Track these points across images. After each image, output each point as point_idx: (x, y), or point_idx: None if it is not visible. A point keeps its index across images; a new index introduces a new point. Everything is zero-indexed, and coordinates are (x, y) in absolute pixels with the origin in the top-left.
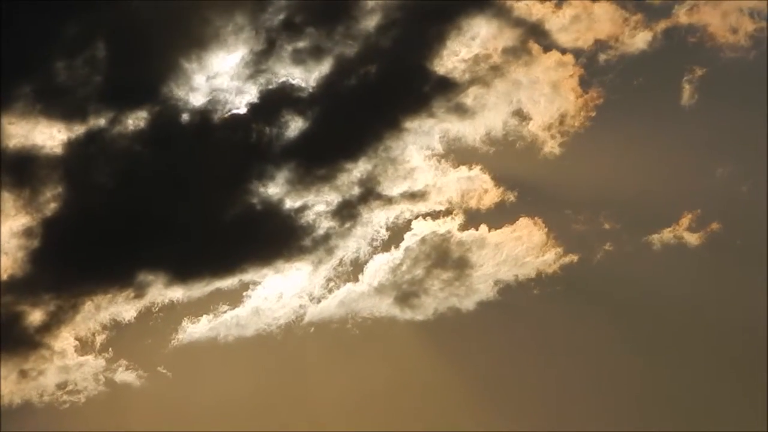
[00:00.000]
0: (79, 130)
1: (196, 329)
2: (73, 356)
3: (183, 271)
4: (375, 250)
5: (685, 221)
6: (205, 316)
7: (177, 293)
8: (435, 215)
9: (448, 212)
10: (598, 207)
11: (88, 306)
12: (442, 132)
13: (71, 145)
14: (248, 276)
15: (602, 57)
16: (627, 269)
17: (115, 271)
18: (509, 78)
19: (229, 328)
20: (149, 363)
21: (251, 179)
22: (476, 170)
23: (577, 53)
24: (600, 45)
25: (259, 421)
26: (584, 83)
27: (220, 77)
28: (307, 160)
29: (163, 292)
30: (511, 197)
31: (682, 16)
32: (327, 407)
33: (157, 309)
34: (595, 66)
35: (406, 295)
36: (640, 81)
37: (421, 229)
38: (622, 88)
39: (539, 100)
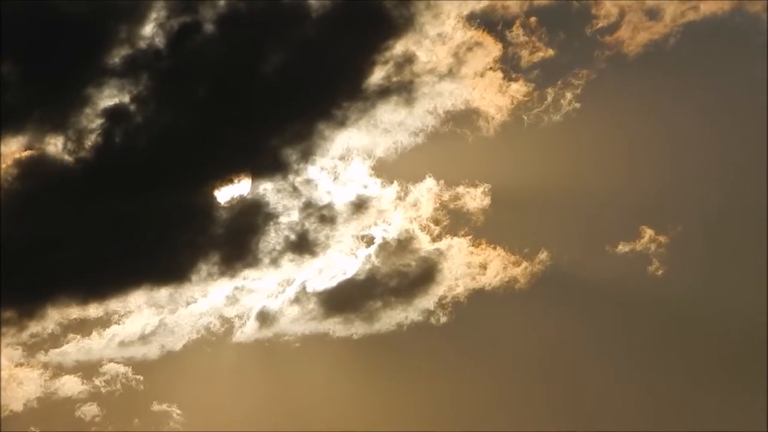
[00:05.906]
0: None
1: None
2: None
3: (106, 284)
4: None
5: (650, 227)
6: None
7: (101, 307)
8: (396, 228)
9: (411, 222)
10: (560, 214)
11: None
12: (378, 143)
13: None
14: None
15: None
16: (591, 276)
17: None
18: (452, 90)
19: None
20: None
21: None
22: (429, 181)
23: (528, 71)
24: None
25: None
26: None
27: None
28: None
29: (89, 305)
30: (470, 205)
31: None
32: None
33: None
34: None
35: (350, 311)
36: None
37: (378, 239)
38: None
39: (489, 106)
